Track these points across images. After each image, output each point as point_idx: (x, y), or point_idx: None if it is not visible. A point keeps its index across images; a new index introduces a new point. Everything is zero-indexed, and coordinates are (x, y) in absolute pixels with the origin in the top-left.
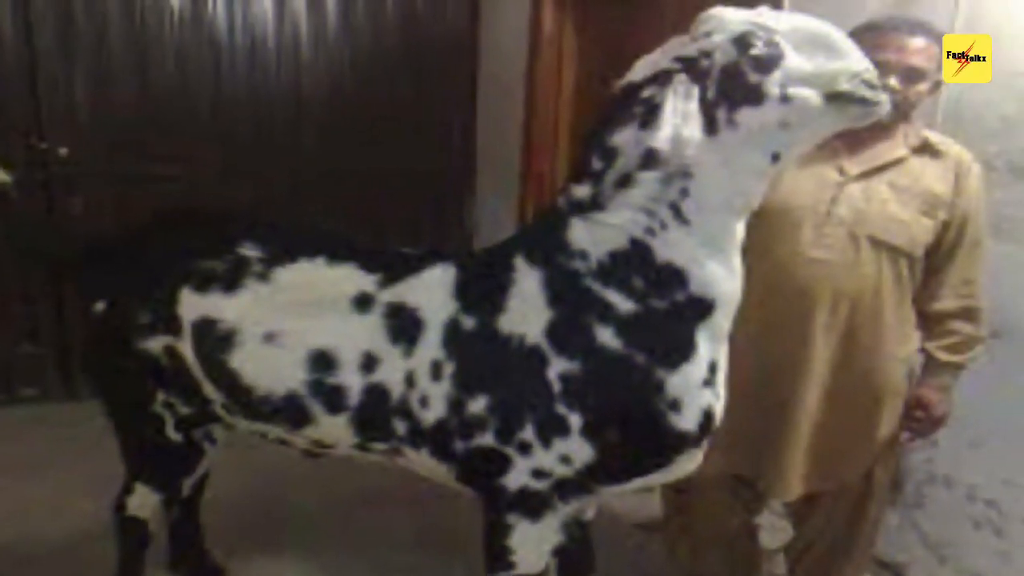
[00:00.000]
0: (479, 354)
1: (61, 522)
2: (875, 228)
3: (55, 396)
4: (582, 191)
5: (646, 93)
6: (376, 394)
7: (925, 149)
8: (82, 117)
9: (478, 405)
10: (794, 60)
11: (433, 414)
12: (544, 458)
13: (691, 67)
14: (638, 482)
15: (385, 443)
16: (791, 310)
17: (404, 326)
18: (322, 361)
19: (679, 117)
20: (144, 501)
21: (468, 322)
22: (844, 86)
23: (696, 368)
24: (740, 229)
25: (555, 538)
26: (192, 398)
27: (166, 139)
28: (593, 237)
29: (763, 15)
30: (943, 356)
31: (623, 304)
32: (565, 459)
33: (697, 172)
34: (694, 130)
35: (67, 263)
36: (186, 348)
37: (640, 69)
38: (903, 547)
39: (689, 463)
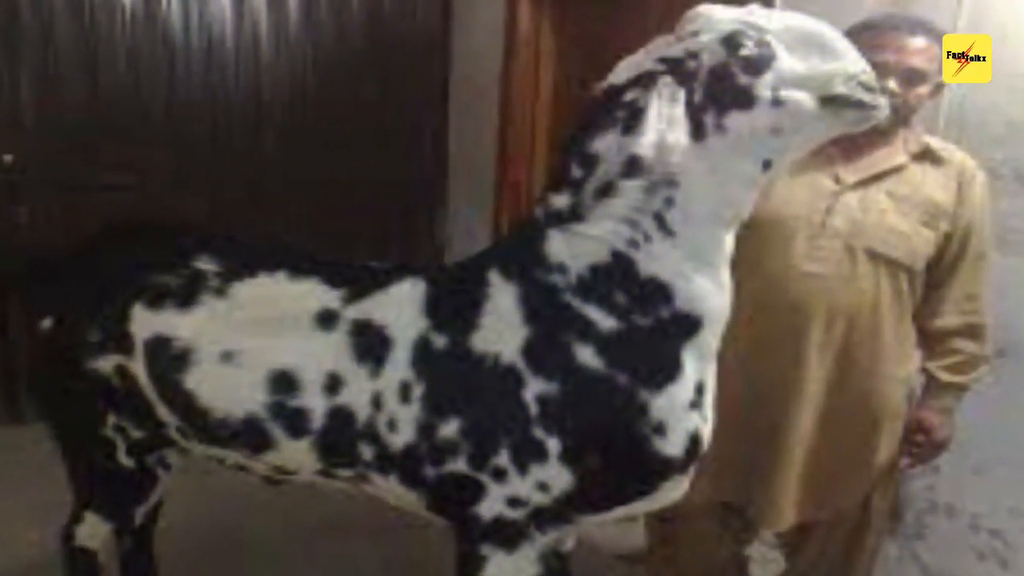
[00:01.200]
0: (451, 374)
1: (5, 553)
2: (873, 240)
3: None
4: (561, 201)
5: (629, 96)
6: (341, 417)
7: (926, 156)
8: (27, 121)
9: (450, 429)
10: (787, 61)
11: (402, 438)
12: (520, 485)
13: (677, 69)
14: (620, 511)
15: (351, 469)
16: (783, 327)
17: (371, 345)
18: (283, 382)
19: (664, 122)
20: (94, 531)
21: (439, 340)
22: (840, 89)
23: (682, 389)
24: (729, 241)
25: (532, 570)
26: (145, 421)
27: (117, 145)
28: (572, 250)
29: (754, 13)
30: (945, 376)
31: (604, 321)
32: (542, 486)
33: (683, 180)
34: (680, 136)
35: (11, 277)
36: (138, 368)
37: (622, 71)
38: None
39: (674, 490)
